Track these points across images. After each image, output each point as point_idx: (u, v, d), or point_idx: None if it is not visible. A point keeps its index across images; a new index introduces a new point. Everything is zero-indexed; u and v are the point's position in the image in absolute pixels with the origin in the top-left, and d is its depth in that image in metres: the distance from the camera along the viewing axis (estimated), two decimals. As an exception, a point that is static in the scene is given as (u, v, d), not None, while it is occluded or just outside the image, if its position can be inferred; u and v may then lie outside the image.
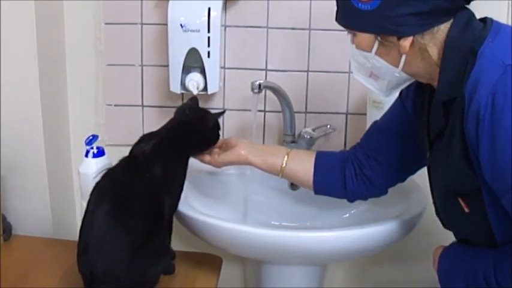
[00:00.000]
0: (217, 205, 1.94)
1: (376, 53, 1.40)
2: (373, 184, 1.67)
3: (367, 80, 1.50)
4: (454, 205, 1.37)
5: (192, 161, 1.71)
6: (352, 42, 1.44)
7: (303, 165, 1.73)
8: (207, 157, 1.77)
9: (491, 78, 1.22)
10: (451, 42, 1.31)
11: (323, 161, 1.73)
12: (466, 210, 1.35)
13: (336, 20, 1.44)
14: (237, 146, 1.76)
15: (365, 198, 1.75)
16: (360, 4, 1.33)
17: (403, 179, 1.71)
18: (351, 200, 1.74)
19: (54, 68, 2.05)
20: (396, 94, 1.59)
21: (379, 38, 1.37)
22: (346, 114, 2.11)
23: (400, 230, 1.66)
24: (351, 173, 1.69)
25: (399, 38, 1.34)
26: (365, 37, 1.39)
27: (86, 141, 1.75)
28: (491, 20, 1.35)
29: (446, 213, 1.46)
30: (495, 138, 1.20)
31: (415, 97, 1.56)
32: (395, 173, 1.68)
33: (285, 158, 1.73)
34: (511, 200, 1.22)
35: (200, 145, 1.75)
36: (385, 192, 1.72)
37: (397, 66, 1.39)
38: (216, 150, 1.79)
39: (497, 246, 1.33)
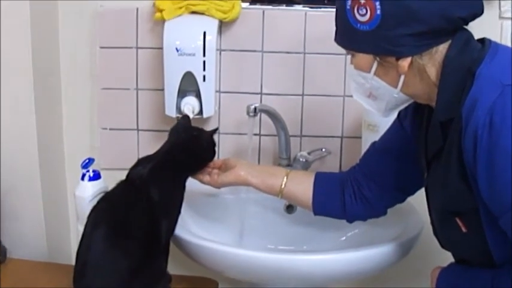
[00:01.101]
0: (213, 228, 1.93)
1: (374, 74, 1.40)
2: (372, 205, 1.67)
3: (366, 100, 1.49)
4: (451, 225, 1.37)
5: (189, 184, 1.70)
6: (351, 62, 1.45)
7: (302, 186, 1.73)
8: (206, 178, 1.76)
9: (489, 98, 1.22)
10: (449, 62, 1.31)
11: (322, 182, 1.72)
12: (464, 230, 1.35)
13: (335, 40, 1.45)
14: (236, 166, 1.76)
15: (364, 219, 1.74)
16: (358, 25, 1.34)
17: (402, 200, 1.71)
18: (350, 221, 1.73)
19: (50, 92, 2.05)
20: (394, 115, 1.58)
21: (377, 58, 1.37)
22: (342, 137, 2.11)
23: (397, 252, 1.65)
24: (349, 194, 1.68)
25: (398, 59, 1.34)
26: (364, 58, 1.39)
27: (82, 164, 1.75)
28: (490, 40, 1.36)
29: (444, 233, 1.46)
30: (493, 159, 1.20)
31: (414, 117, 1.56)
32: (395, 193, 1.67)
33: (284, 179, 1.73)
34: (509, 220, 1.22)
35: (197, 165, 1.74)
36: (384, 213, 1.72)
37: (395, 86, 1.39)
38: (216, 171, 1.78)
39: (495, 267, 1.33)
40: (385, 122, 1.81)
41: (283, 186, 1.72)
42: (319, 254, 1.67)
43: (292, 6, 2.05)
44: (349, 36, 1.39)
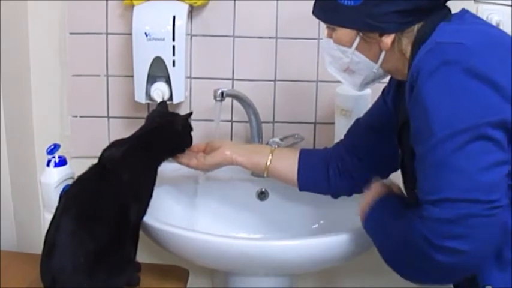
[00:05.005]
0: (185, 215, 1.92)
1: (356, 49, 1.40)
2: (356, 180, 1.66)
3: (342, 74, 1.50)
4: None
5: (160, 169, 1.68)
6: (330, 36, 1.44)
7: (287, 162, 1.74)
8: (193, 161, 1.77)
9: (421, 54, 1.24)
10: (418, 38, 1.31)
11: (307, 158, 1.73)
12: None
13: (314, 13, 1.44)
14: (221, 147, 1.77)
15: (349, 194, 1.73)
16: None
17: (386, 175, 1.69)
18: (335, 196, 1.74)
19: (19, 80, 2.02)
20: (368, 90, 1.61)
21: (360, 33, 1.37)
22: (315, 123, 2.10)
23: (367, 238, 1.63)
24: (334, 170, 1.69)
25: (381, 35, 1.34)
26: (346, 32, 1.39)
27: (47, 150, 1.72)
28: (463, 10, 1.37)
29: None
30: (412, 112, 1.25)
31: (395, 93, 1.56)
32: (378, 169, 1.66)
33: (270, 156, 1.74)
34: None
35: (171, 150, 1.73)
36: None
37: (376, 62, 1.40)
38: (201, 154, 1.78)
39: None
40: (358, 106, 1.82)
41: (268, 163, 1.73)
42: (288, 240, 1.66)
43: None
44: (331, 10, 1.38)
